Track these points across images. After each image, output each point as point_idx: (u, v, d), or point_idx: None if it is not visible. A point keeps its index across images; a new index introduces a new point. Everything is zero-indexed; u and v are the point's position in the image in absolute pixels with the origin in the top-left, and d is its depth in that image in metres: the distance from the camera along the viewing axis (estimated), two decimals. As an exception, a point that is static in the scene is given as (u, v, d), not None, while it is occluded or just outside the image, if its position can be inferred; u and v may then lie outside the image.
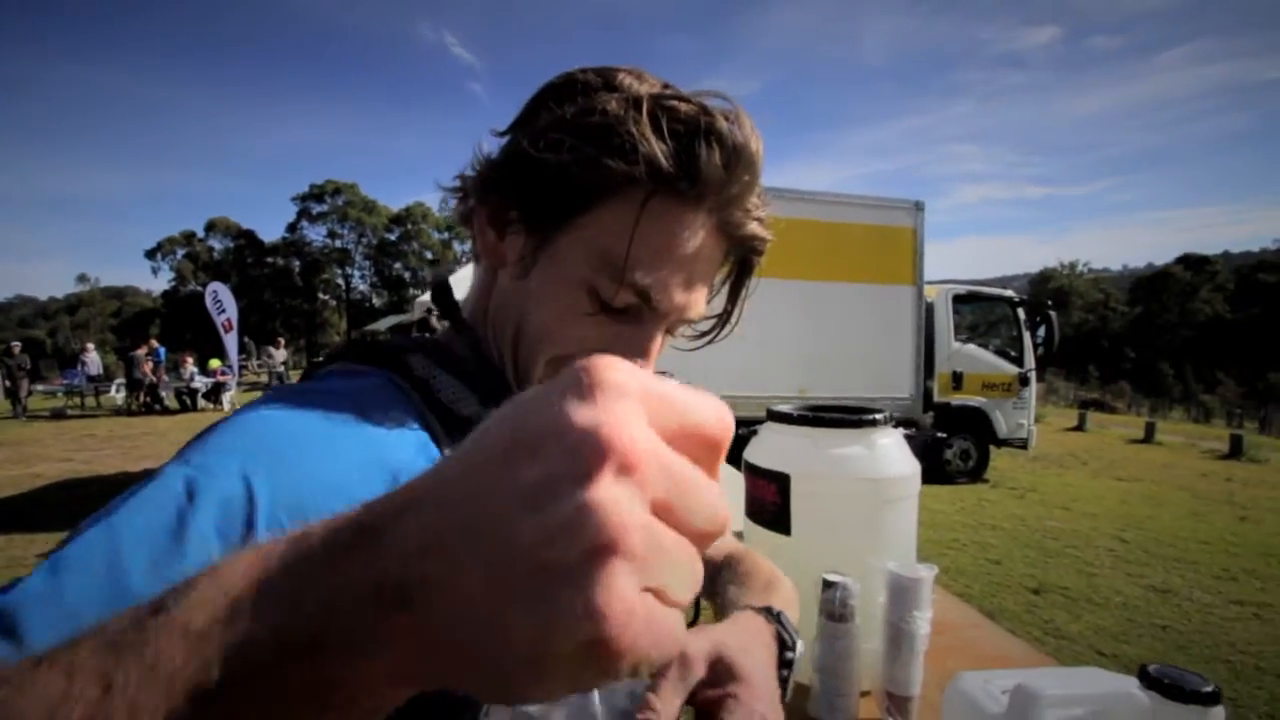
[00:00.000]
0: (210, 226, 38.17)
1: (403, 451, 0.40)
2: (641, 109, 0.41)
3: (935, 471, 7.03)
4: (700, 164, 0.41)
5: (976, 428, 7.13)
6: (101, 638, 0.20)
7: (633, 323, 0.47)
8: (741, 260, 0.52)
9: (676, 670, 0.40)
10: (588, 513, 0.18)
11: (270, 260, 37.28)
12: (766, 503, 1.20)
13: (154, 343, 14.54)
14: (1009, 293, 7.58)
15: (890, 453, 1.16)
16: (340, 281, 36.36)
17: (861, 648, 1.05)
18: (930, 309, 6.94)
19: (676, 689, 0.40)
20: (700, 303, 0.49)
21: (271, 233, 40.59)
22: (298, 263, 37.15)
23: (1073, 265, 42.13)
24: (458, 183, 0.49)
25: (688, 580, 0.21)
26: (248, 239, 37.82)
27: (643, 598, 0.19)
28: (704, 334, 0.56)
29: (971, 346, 7.22)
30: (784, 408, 1.26)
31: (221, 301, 8.02)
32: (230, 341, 8.22)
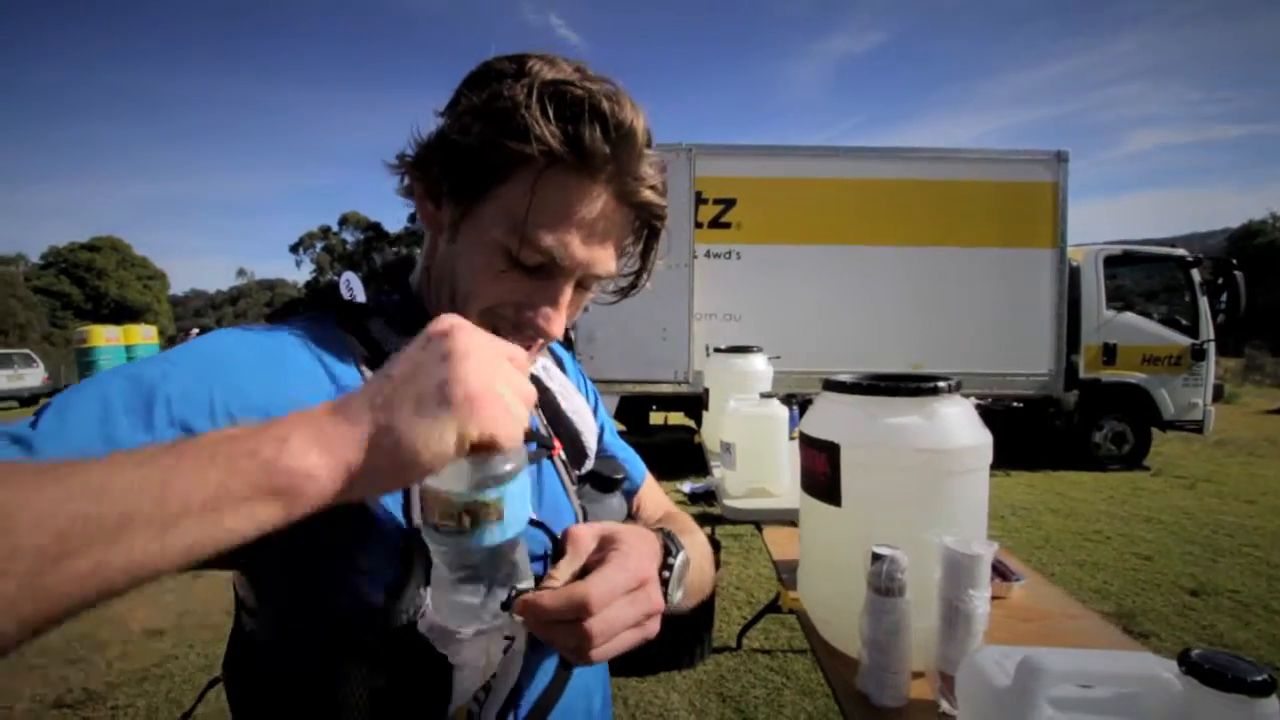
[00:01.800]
0: (343, 221, 42.62)
1: (324, 379, 0.50)
2: (532, 95, 0.48)
3: (1081, 455, 6.29)
4: (585, 141, 0.48)
5: (1134, 407, 6.25)
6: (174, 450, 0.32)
7: (545, 278, 0.54)
8: (646, 225, 0.58)
9: (570, 551, 0.47)
10: (441, 341, 0.38)
11: (395, 250, 40.83)
12: (818, 473, 1.17)
13: None
14: (1179, 251, 6.50)
15: (953, 423, 1.08)
16: (455, 267, 39.58)
17: (915, 625, 1.01)
18: (1075, 274, 6.16)
19: (571, 563, 0.47)
20: (606, 260, 0.55)
21: (395, 223, 44.37)
22: (419, 251, 40.41)
23: (1288, 216, 34.61)
24: (396, 161, 0.56)
25: (521, 386, 0.40)
26: (375, 231, 41.66)
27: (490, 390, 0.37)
28: (620, 290, 0.62)
29: (1129, 315, 6.29)
30: (841, 376, 1.22)
31: (353, 290, 9.06)
32: None
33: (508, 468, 0.39)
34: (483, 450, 0.38)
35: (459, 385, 0.36)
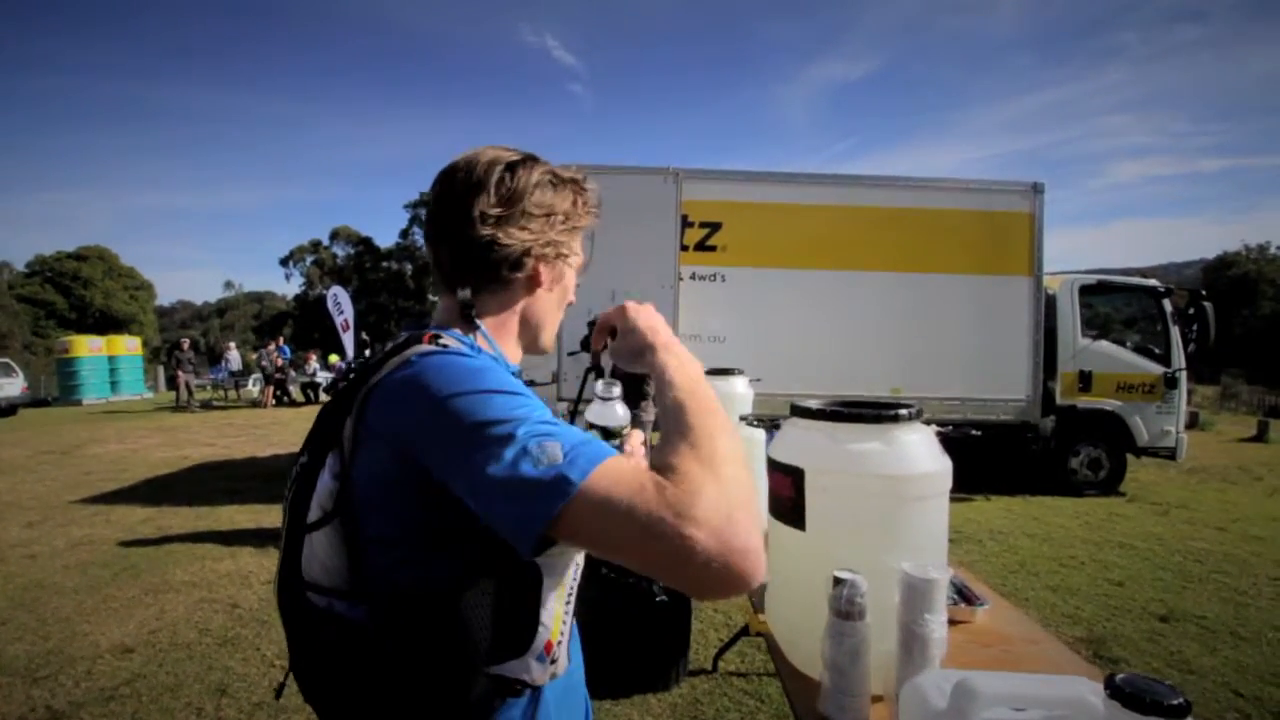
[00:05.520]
0: (334, 235, 42.18)
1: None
2: (585, 184, 0.81)
3: (1058, 481, 6.37)
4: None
5: (1110, 434, 6.36)
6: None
7: None
8: None
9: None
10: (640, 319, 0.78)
11: (385, 264, 40.53)
12: (783, 498, 1.20)
13: (280, 341, 16.59)
14: (1151, 281, 6.68)
15: (913, 450, 1.12)
16: (447, 283, 39.22)
17: (875, 649, 1.03)
18: (1052, 302, 6.30)
19: None
20: None
21: (386, 239, 43.77)
22: (409, 266, 39.99)
23: (1262, 248, 35.57)
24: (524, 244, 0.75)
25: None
26: (366, 245, 41.27)
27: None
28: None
29: (1104, 343, 6.44)
30: (809, 403, 1.25)
31: (340, 303, 9.04)
32: (348, 340, 9.30)
33: None
34: None
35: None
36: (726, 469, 0.55)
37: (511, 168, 0.73)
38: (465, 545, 0.60)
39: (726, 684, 2.64)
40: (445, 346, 0.66)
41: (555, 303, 0.81)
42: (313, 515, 0.64)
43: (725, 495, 0.52)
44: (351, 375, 0.70)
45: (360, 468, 0.62)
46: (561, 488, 0.51)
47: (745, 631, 2.64)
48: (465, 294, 0.73)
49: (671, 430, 0.59)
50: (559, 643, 0.67)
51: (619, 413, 0.84)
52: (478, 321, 0.74)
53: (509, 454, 0.53)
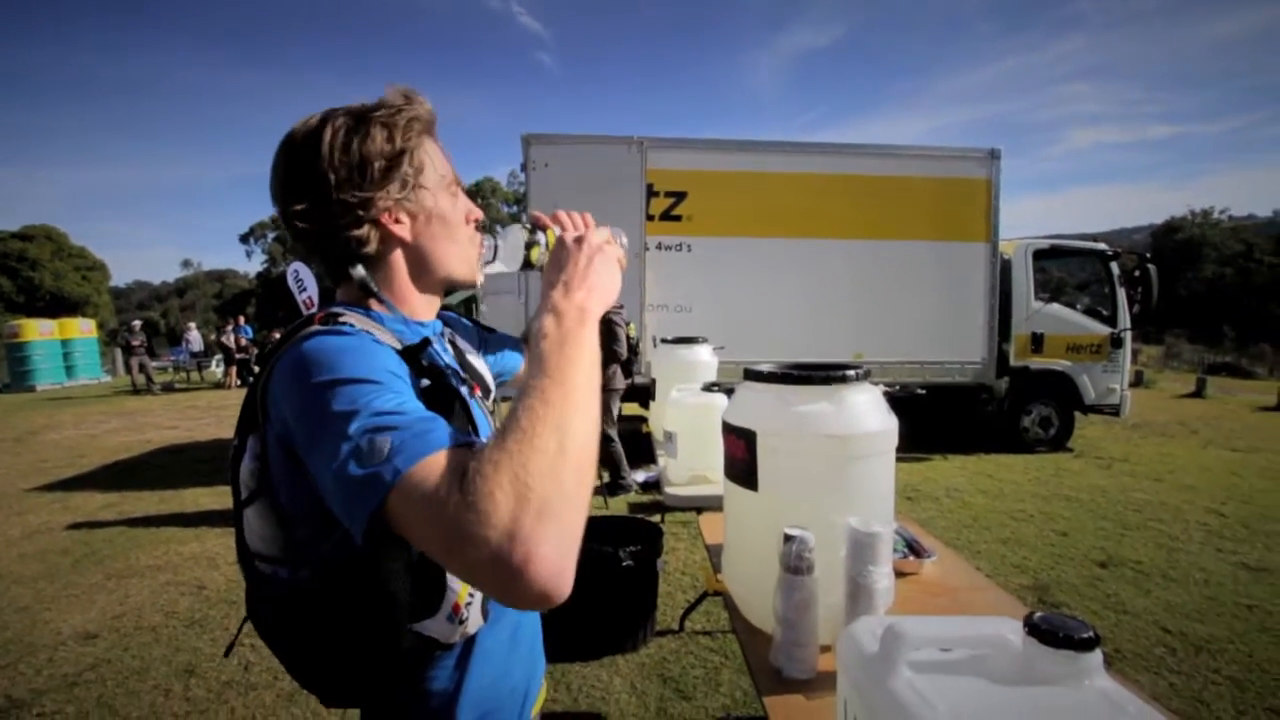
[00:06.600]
0: (297, 210, 40.50)
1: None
2: (406, 98, 0.73)
3: (1012, 439, 6.65)
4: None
5: (1060, 393, 6.64)
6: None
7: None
8: None
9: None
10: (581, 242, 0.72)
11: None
12: (737, 459, 1.22)
13: (241, 320, 16.01)
14: (1100, 245, 6.91)
15: (860, 410, 1.15)
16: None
17: (824, 601, 1.07)
18: (1007, 266, 6.47)
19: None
20: None
21: (349, 212, 42.67)
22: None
23: (1206, 213, 36.84)
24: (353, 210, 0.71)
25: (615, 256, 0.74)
26: (330, 219, 39.95)
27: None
28: None
29: (1055, 306, 6.67)
30: (762, 367, 1.26)
31: (302, 280, 8.65)
32: None
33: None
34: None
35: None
36: (531, 475, 0.48)
37: (310, 142, 0.67)
38: None
39: (692, 642, 2.73)
40: (341, 324, 0.66)
41: (441, 235, 0.75)
42: (243, 493, 0.68)
43: (516, 508, 0.47)
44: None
45: (269, 448, 0.65)
46: (376, 487, 0.51)
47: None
48: (358, 272, 0.71)
49: (504, 422, 0.54)
50: (467, 604, 0.70)
51: (514, 238, 0.81)
52: (375, 289, 0.73)
53: (343, 450, 0.53)
